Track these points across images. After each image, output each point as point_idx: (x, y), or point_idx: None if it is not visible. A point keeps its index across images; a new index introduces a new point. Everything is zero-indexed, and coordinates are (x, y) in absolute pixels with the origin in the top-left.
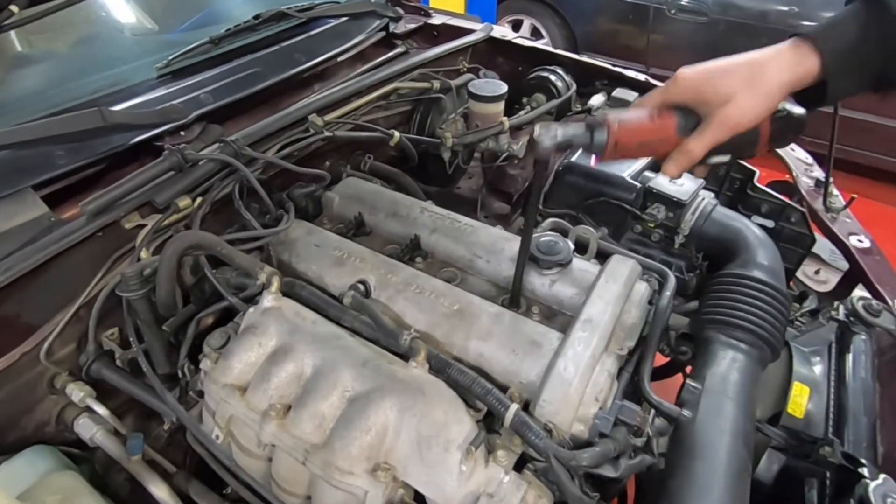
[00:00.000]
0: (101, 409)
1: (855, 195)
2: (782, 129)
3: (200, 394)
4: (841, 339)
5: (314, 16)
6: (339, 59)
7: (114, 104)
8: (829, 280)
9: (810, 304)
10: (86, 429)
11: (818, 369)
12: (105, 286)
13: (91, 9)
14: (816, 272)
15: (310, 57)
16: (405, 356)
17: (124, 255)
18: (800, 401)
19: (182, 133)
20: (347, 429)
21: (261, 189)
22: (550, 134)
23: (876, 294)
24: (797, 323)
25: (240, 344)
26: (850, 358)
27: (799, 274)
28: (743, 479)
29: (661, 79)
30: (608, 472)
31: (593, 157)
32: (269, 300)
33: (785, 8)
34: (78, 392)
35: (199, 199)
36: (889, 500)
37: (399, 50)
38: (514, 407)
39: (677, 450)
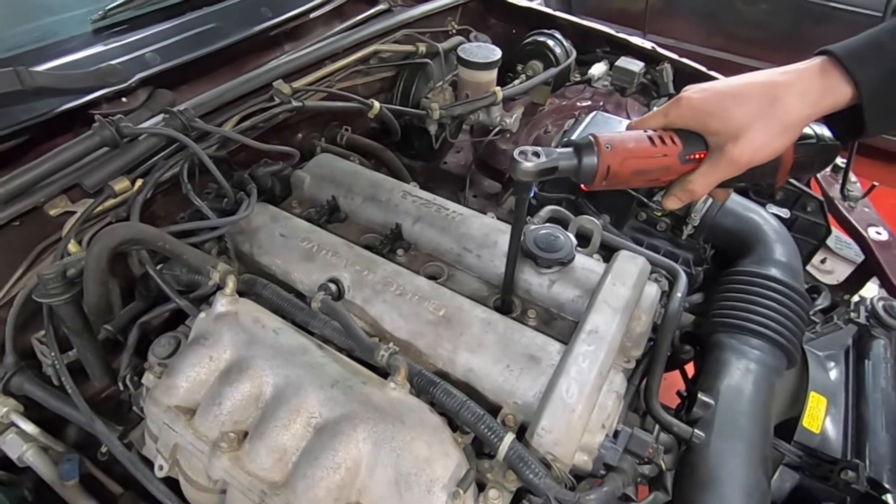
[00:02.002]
0: (28, 427)
1: (876, 183)
2: (809, 157)
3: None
4: (859, 343)
5: None
6: (313, 15)
7: (37, 63)
8: (834, 270)
9: (824, 300)
10: (13, 447)
11: (834, 375)
12: (25, 286)
13: None
14: (823, 261)
15: (278, 12)
16: (384, 371)
17: (50, 248)
18: (817, 413)
19: (123, 100)
20: (312, 466)
21: (215, 170)
22: (530, 159)
23: (893, 291)
24: (811, 323)
25: (187, 358)
26: (869, 365)
27: (812, 270)
28: None
29: (661, 46)
30: None
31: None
32: (222, 304)
33: None
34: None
35: (139, 182)
36: None
37: (381, 7)
38: (509, 438)
39: (689, 478)
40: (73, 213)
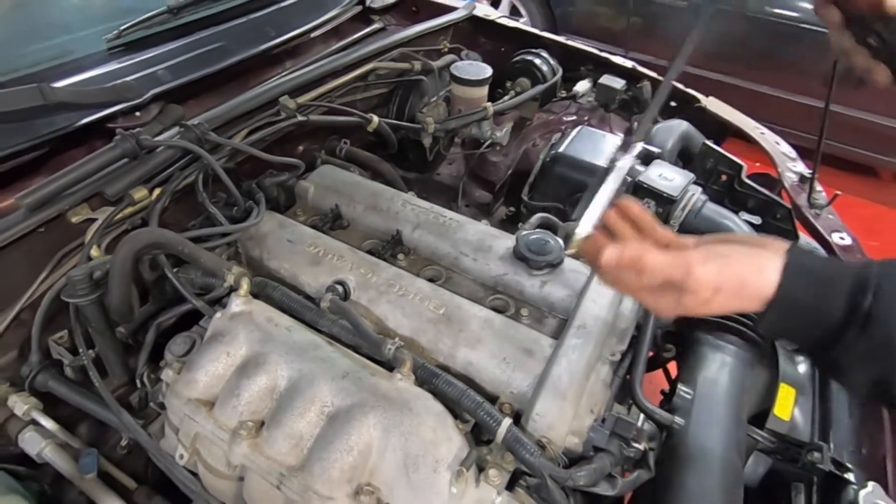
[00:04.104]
0: (48, 423)
1: (839, 192)
2: None
3: (162, 405)
4: None
5: None
6: (313, 34)
7: (56, 79)
8: None
9: None
10: (32, 443)
11: (803, 369)
12: (50, 288)
13: None
14: None
15: (280, 31)
16: (389, 365)
17: (72, 253)
18: (786, 403)
19: (137, 114)
20: (327, 449)
21: (228, 180)
22: None
23: None
24: None
25: (206, 354)
26: None
27: None
28: (736, 491)
29: (641, 64)
30: (605, 490)
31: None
32: (237, 304)
33: None
34: (21, 404)
35: (157, 191)
36: (869, 499)
37: (376, 26)
38: (506, 422)
39: (670, 460)
40: (94, 220)
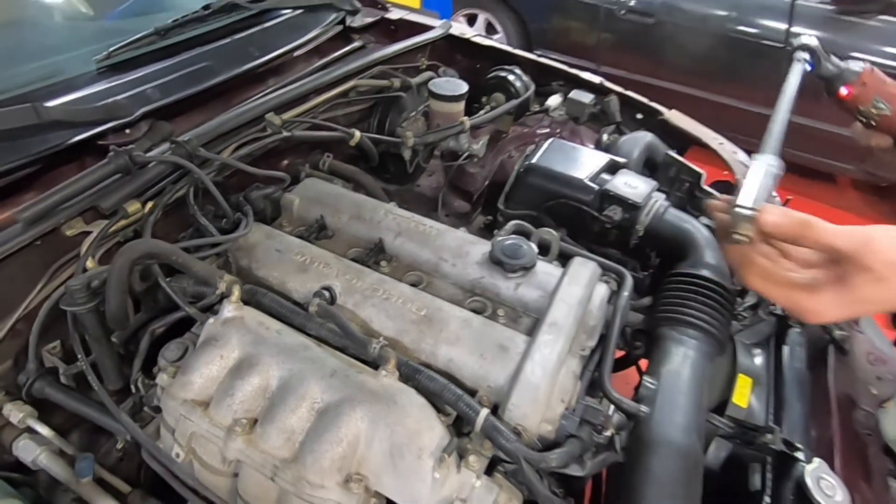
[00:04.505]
0: (44, 430)
1: (790, 196)
2: None
3: (156, 409)
4: (778, 332)
5: (268, 7)
6: (295, 53)
7: (48, 99)
8: None
9: (751, 298)
10: (27, 451)
11: (759, 361)
12: (45, 299)
13: None
14: None
15: (264, 51)
16: (374, 364)
17: (66, 265)
18: (744, 391)
19: (127, 131)
20: (318, 441)
21: (217, 193)
22: None
23: None
24: (740, 317)
25: (200, 357)
26: (786, 350)
27: None
28: (696, 471)
29: (612, 78)
30: (576, 471)
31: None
32: (229, 310)
33: (724, 13)
34: (17, 412)
35: (149, 204)
36: (822, 481)
37: (356, 44)
38: (484, 412)
39: (636, 445)
40: (88, 233)
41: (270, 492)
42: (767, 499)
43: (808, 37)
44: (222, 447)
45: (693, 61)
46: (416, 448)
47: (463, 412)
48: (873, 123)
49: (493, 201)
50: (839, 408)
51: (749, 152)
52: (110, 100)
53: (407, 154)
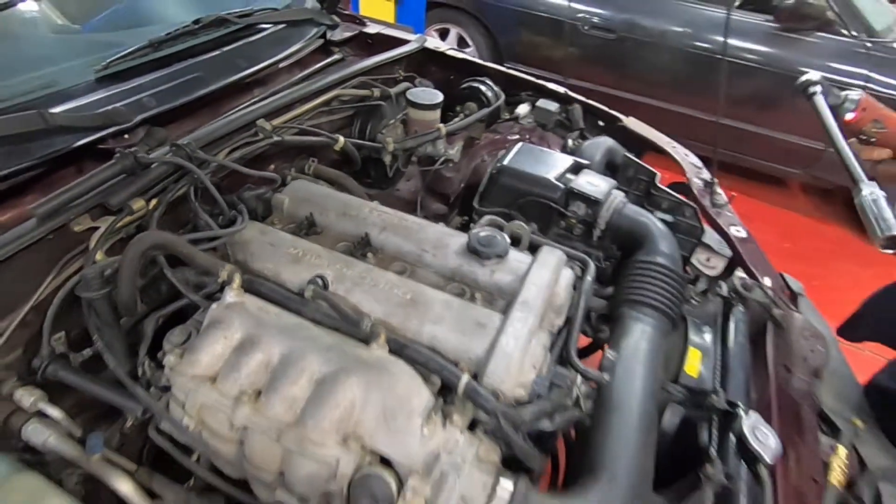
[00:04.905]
0: (55, 412)
1: (734, 194)
2: None
3: (163, 389)
4: (724, 311)
5: (253, 22)
6: (280, 65)
7: (49, 107)
8: (717, 266)
9: (702, 285)
10: (37, 434)
11: (708, 337)
12: (56, 290)
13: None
14: (707, 259)
15: (251, 63)
16: (366, 341)
17: (74, 259)
18: (694, 363)
19: (126, 136)
20: (318, 406)
21: (215, 191)
22: None
23: (750, 274)
24: (693, 301)
25: (205, 338)
26: (731, 326)
27: (693, 260)
28: (651, 430)
29: (578, 90)
30: (546, 426)
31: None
32: (231, 296)
33: (680, 29)
34: (28, 396)
35: (153, 201)
36: (758, 431)
37: (336, 57)
38: (465, 377)
39: (599, 409)
40: (95, 228)
41: (275, 453)
42: (713, 451)
43: (813, 73)
44: (230, 415)
45: (656, 73)
46: (406, 409)
47: (447, 378)
48: (872, 141)
49: (469, 203)
50: (776, 375)
51: (701, 157)
52: (110, 107)
53: (387, 159)
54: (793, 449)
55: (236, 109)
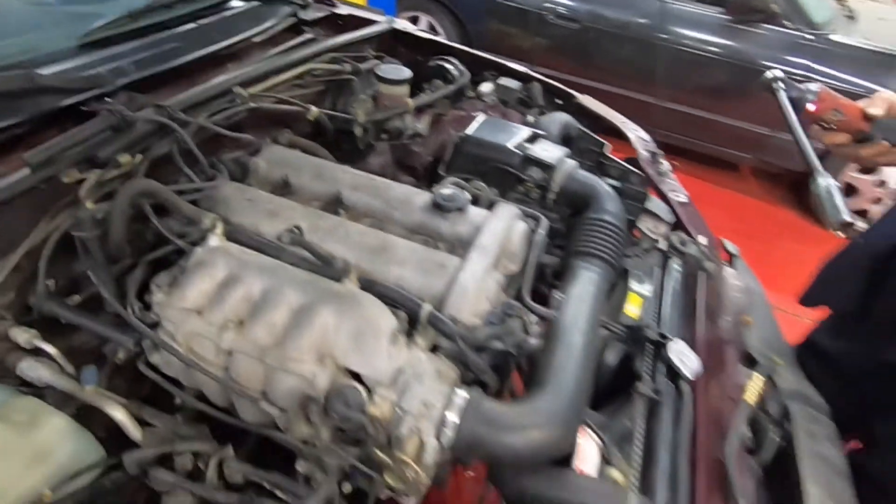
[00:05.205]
0: (49, 348)
1: (676, 163)
2: None
3: (152, 326)
4: (663, 264)
5: None
6: (253, 40)
7: (34, 69)
8: (662, 231)
9: (646, 244)
10: (32, 369)
11: (647, 286)
12: (47, 235)
13: None
14: (653, 226)
15: (225, 36)
16: (338, 279)
17: (64, 208)
18: (633, 307)
19: (108, 100)
20: (296, 330)
21: (196, 149)
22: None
23: (688, 233)
24: (636, 256)
25: (191, 276)
26: (668, 277)
27: (640, 226)
28: (592, 356)
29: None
30: (498, 345)
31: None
32: (214, 241)
33: (643, 20)
34: (23, 334)
35: (139, 156)
36: (681, 354)
37: (308, 36)
38: (427, 305)
39: (547, 340)
40: (83, 180)
41: (258, 372)
42: (646, 374)
43: (776, 69)
44: (216, 340)
45: (619, 64)
46: (374, 331)
47: (410, 308)
48: (833, 127)
49: (437, 176)
50: (706, 316)
51: (658, 142)
52: (94, 70)
53: (358, 131)
54: (714, 375)
55: (209, 80)
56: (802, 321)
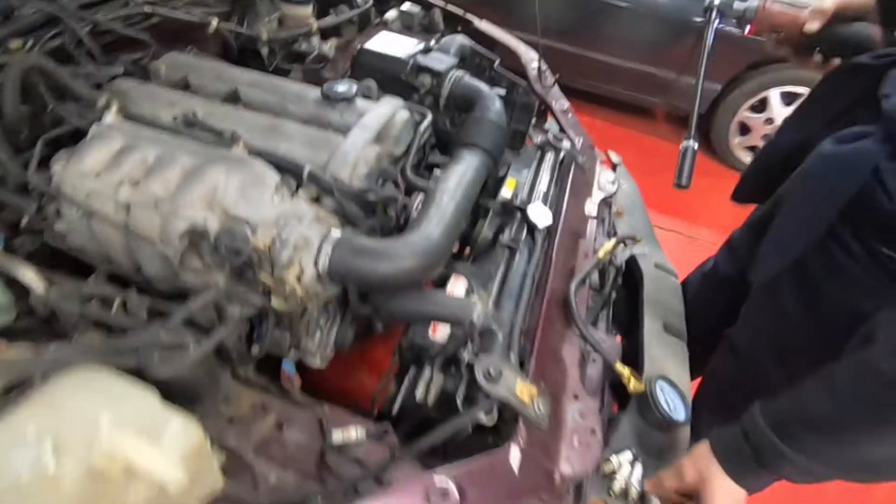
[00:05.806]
0: None
1: (558, 75)
2: None
3: (50, 198)
4: (539, 157)
5: None
6: None
7: None
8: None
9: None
10: None
11: (525, 172)
12: None
13: None
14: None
15: None
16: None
17: None
18: (510, 187)
19: None
20: (189, 184)
21: (91, 43)
22: None
23: (564, 132)
24: (516, 149)
25: (89, 147)
26: (542, 166)
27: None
28: (461, 214)
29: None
30: (371, 197)
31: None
32: (110, 118)
33: None
34: None
35: (30, 43)
36: (537, 210)
37: None
38: (308, 165)
39: (423, 203)
40: None
41: (155, 220)
42: (510, 234)
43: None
44: (114, 196)
45: (549, 21)
46: (260, 183)
47: (295, 170)
48: (777, 41)
49: None
50: (570, 197)
51: (580, 91)
52: None
53: (264, 50)
54: (571, 234)
55: None
56: (696, 241)
